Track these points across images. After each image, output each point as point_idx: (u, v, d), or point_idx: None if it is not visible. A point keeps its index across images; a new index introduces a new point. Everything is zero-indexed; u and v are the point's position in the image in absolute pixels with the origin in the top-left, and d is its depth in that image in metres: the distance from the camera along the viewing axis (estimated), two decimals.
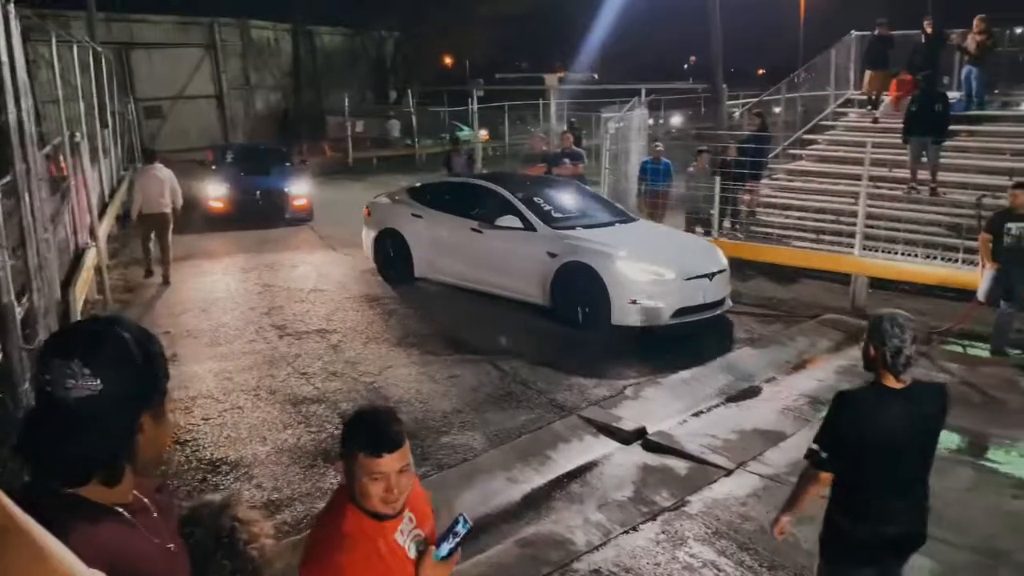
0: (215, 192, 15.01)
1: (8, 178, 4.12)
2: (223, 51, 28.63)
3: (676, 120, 29.00)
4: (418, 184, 10.98)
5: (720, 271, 8.33)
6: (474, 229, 9.21)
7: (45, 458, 1.32)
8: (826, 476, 3.16)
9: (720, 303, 8.37)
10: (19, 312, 3.90)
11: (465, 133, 28.28)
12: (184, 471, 5.42)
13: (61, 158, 9.06)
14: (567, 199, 9.72)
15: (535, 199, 9.19)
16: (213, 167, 16.46)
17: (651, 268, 8.00)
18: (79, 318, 6.68)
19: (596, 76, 36.02)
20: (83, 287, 8.27)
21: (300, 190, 15.37)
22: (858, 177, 10.48)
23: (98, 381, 1.31)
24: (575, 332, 8.18)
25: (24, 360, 3.56)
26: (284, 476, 5.36)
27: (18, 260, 4.05)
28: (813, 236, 11.54)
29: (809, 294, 9.95)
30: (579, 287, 8.13)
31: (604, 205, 9.92)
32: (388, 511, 2.00)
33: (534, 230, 8.69)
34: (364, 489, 1.97)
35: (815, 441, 3.17)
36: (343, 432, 2.09)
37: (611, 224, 9.03)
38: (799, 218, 12.31)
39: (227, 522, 1.83)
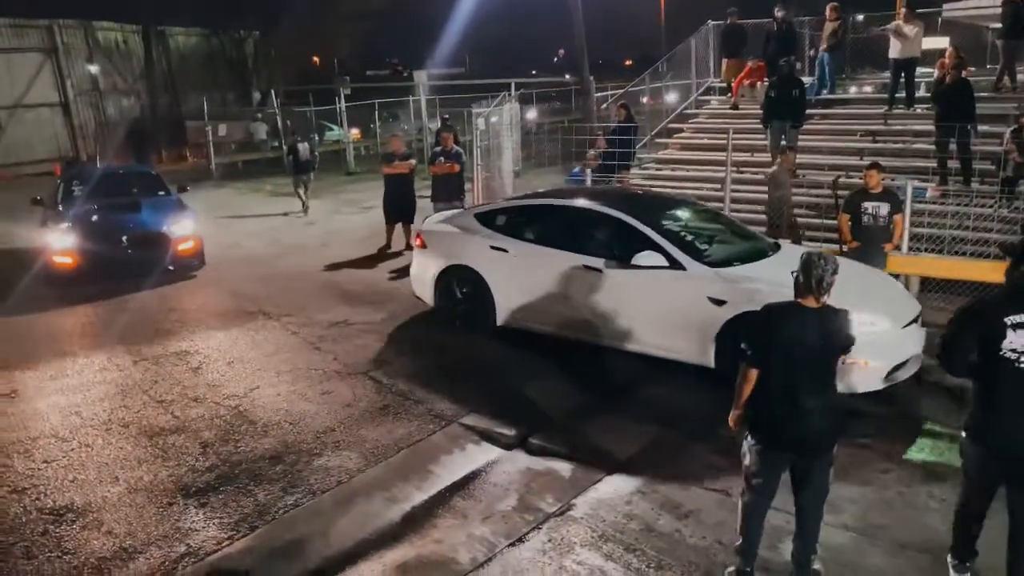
0: (60, 242, 10.35)
1: None
2: (67, 55, 26.72)
3: (532, 115, 28.91)
4: (490, 206, 8.61)
5: (919, 313, 6.52)
6: (589, 267, 7.09)
7: None
8: (754, 372, 3.87)
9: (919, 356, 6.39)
10: None
11: (335, 133, 27.55)
12: (22, 524, 4.85)
13: None
14: (697, 221, 7.80)
15: (669, 226, 7.26)
16: (58, 203, 11.64)
17: (861, 316, 5.45)
18: None
19: (465, 71, 35.83)
20: None
21: (185, 227, 11.07)
22: (723, 163, 10.74)
23: None
24: None
25: None
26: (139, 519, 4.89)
27: None
28: None
29: None
30: None
31: (735, 227, 7.89)
32: None
33: (682, 268, 6.66)
34: None
35: (743, 342, 3.93)
36: None
37: (765, 254, 7.10)
38: None
39: None
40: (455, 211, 9.10)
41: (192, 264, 11.16)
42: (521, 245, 7.66)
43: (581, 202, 7.80)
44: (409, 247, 11.84)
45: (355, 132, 26.60)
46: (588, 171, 11.25)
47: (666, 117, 16.02)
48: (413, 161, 12.44)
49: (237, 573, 4.38)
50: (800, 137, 12.08)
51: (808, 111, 12.30)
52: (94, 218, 10.90)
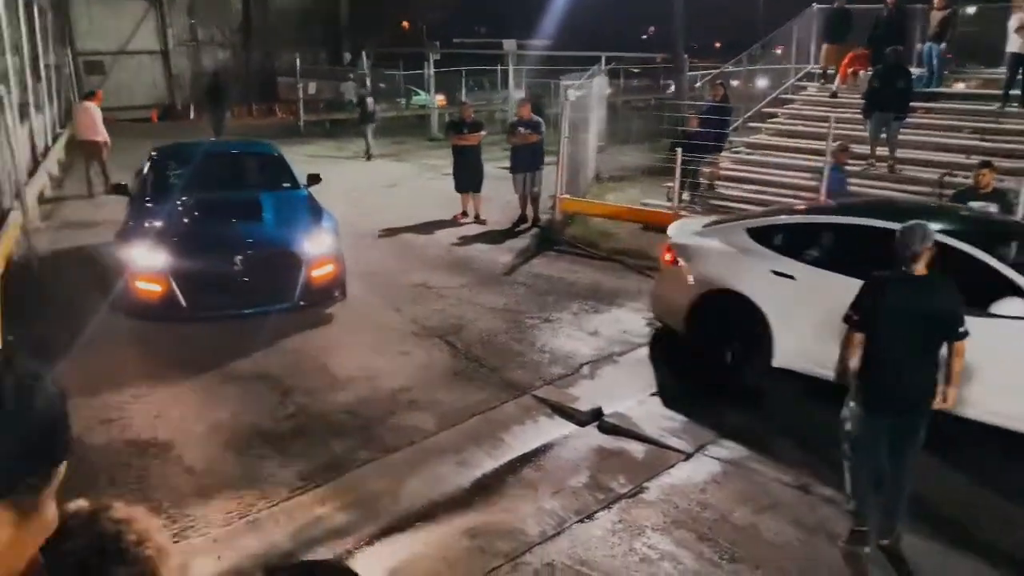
0: (144, 260, 6.90)
1: None
2: (169, 4, 27.44)
3: (619, 91, 28.05)
4: (767, 221, 6.76)
5: None
6: None
7: None
8: (858, 337, 4.09)
9: None
10: None
11: (421, 98, 27.64)
12: (108, 454, 5.02)
13: None
14: None
15: None
16: (146, 195, 8.28)
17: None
18: None
19: (550, 43, 35.46)
20: (4, 250, 7.74)
21: (323, 244, 7.45)
22: (817, 152, 10.35)
23: None
24: None
25: None
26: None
27: None
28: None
29: None
30: None
31: None
32: None
33: None
34: None
35: (850, 308, 4.14)
36: None
37: None
38: (756, 192, 12.17)
39: (108, 526, 1.50)
40: (713, 222, 7.36)
41: (329, 297, 7.54)
42: (814, 272, 5.99)
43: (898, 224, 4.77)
44: (479, 218, 11.82)
45: (440, 98, 26.63)
46: (844, 168, 9.51)
47: (757, 101, 15.54)
48: (483, 132, 12.18)
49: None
50: (902, 131, 11.54)
51: (911, 104, 11.73)
52: (195, 226, 7.47)
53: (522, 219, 11.77)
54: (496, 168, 12.38)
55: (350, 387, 6.13)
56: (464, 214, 12.03)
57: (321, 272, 7.33)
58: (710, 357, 6.50)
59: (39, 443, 0.89)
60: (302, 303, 7.21)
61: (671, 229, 7.40)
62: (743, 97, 16.34)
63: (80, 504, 1.50)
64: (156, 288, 6.85)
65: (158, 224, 7.37)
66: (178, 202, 7.86)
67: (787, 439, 5.40)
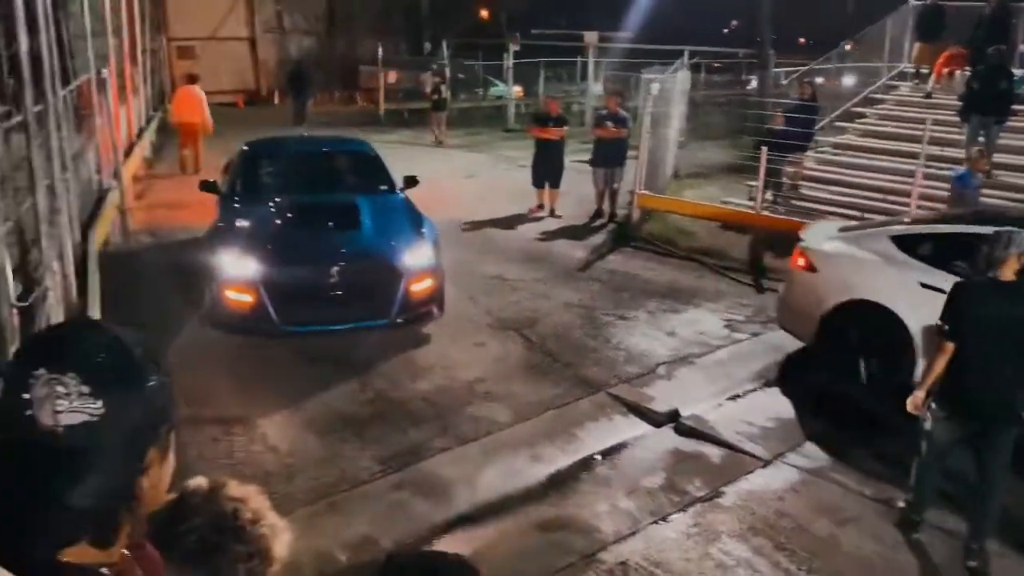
0: (234, 269, 6.39)
1: (19, 117, 3.85)
2: None
3: (700, 86, 27.23)
4: (914, 229, 6.38)
5: None
6: None
7: (16, 510, 0.96)
8: (950, 346, 4.05)
9: None
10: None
11: (499, 89, 27.71)
12: (197, 430, 5.21)
13: (88, 95, 8.80)
14: None
15: None
16: (235, 195, 7.81)
17: None
18: (96, 263, 6.49)
19: (631, 36, 35.05)
20: (103, 229, 8.09)
21: (422, 256, 6.83)
22: (909, 155, 10.00)
23: (99, 403, 0.97)
24: None
25: (15, 320, 3.30)
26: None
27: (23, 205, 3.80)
28: (857, 214, 11.06)
29: None
30: None
31: None
32: None
33: None
34: None
35: (940, 318, 4.13)
36: None
37: None
38: (841, 194, 11.82)
39: (225, 505, 1.57)
40: (850, 227, 7.01)
41: (427, 314, 6.82)
42: None
43: None
44: (554, 213, 11.79)
45: (518, 90, 26.64)
46: (979, 176, 8.76)
47: (844, 100, 15.04)
48: (566, 128, 12.06)
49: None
50: (1001, 135, 11.04)
51: (1013, 107, 11.20)
52: (288, 232, 6.90)
53: (598, 214, 11.71)
54: (572, 161, 12.31)
55: (427, 376, 6.22)
56: (540, 207, 12.00)
57: (420, 287, 6.64)
58: (843, 372, 6.12)
59: (169, 402, 1.09)
60: (399, 320, 6.56)
61: (805, 233, 6.96)
62: (829, 95, 15.87)
63: (199, 482, 1.57)
64: (246, 299, 6.29)
65: (249, 228, 6.91)
66: (270, 204, 7.32)
67: (870, 451, 5.26)
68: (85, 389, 0.96)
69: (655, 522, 4.49)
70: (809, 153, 12.52)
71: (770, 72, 18.20)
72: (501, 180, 14.81)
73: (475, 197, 13.26)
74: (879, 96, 14.75)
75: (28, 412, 0.95)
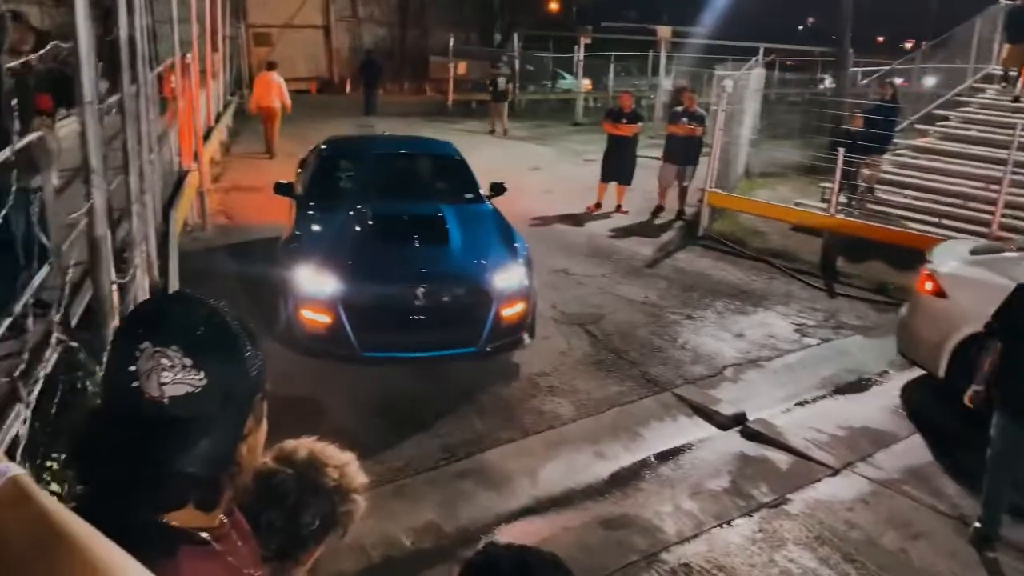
0: (311, 286, 5.84)
1: (116, 96, 4.01)
2: None
3: (774, 83, 26.35)
4: None
5: None
6: None
7: (123, 477, 1.01)
8: (999, 346, 4.17)
9: None
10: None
11: (568, 82, 27.60)
12: None
13: (171, 79, 9.07)
14: None
15: None
16: (309, 200, 7.12)
17: None
18: (176, 243, 6.69)
19: (705, 31, 34.51)
20: (183, 211, 8.34)
21: (513, 276, 6.15)
22: (993, 160, 9.62)
23: (201, 374, 1.02)
24: None
25: (114, 297, 3.44)
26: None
27: (117, 184, 3.94)
28: (935, 220, 10.70)
29: None
30: None
31: None
32: None
33: None
34: None
35: (992, 316, 4.25)
36: None
37: None
38: (918, 199, 11.44)
39: (313, 462, 1.64)
40: (985, 248, 6.51)
41: (518, 342, 6.14)
42: None
43: None
44: (620, 208, 11.69)
45: (587, 83, 26.50)
46: None
47: (924, 102, 14.54)
48: (640, 125, 11.91)
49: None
50: None
51: None
52: (370, 246, 6.20)
53: (659, 209, 11.59)
54: (639, 157, 12.17)
55: (491, 367, 6.24)
56: (598, 205, 11.83)
57: (512, 311, 5.98)
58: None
59: (263, 372, 1.14)
60: (488, 349, 5.91)
61: (934, 254, 6.39)
62: (909, 97, 15.38)
63: (290, 443, 1.64)
64: (323, 319, 5.69)
65: (327, 240, 6.30)
66: (350, 212, 6.66)
67: (945, 465, 5.11)
68: (188, 361, 1.02)
69: (719, 525, 4.44)
70: (886, 156, 12.15)
71: (848, 71, 17.71)
72: (567, 174, 14.76)
73: (540, 190, 13.24)
74: (963, 99, 14.23)
75: (134, 384, 1.01)
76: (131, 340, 1.03)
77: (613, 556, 4.13)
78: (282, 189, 7.32)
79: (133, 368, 1.01)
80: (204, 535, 1.10)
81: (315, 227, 6.69)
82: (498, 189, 7.56)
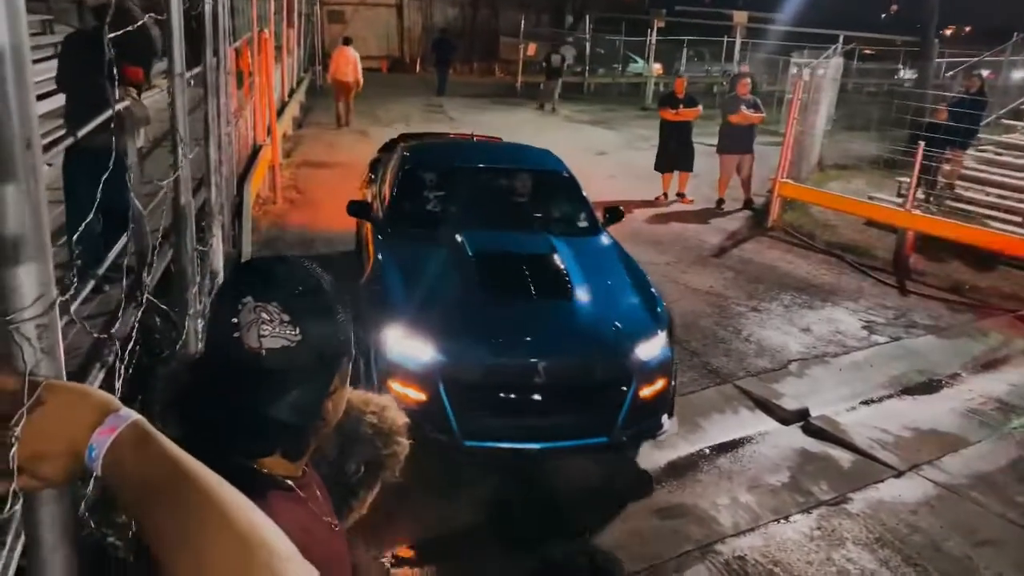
0: (404, 352, 4.34)
1: (199, 68, 4.13)
2: None
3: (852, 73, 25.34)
4: None
5: None
6: None
7: (221, 420, 1.09)
8: None
9: None
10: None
11: (638, 65, 27.27)
12: None
13: (248, 54, 9.27)
14: None
15: None
16: (389, 230, 5.68)
17: None
18: (249, 214, 6.87)
19: (779, 18, 33.63)
20: (256, 184, 8.54)
21: (659, 346, 4.62)
22: None
23: (297, 331, 1.08)
24: None
25: (196, 263, 3.57)
26: None
27: (197, 155, 4.06)
28: (1019, 220, 10.28)
29: (1009, 285, 8.87)
30: None
31: None
32: None
33: None
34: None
35: None
36: None
37: None
38: (1001, 197, 10.99)
39: (364, 410, 1.65)
40: None
41: (657, 427, 4.67)
42: None
43: None
44: (681, 195, 11.51)
45: (658, 67, 26.14)
46: None
47: (1012, 96, 13.91)
48: (699, 108, 11.56)
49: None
50: None
51: None
52: (473, 298, 4.76)
53: (720, 202, 11.37)
54: (704, 144, 11.97)
55: None
56: (665, 196, 11.60)
57: (652, 389, 4.57)
58: None
59: (351, 336, 1.21)
60: (624, 438, 4.55)
61: None
62: (996, 91, 14.75)
63: (368, 397, 1.67)
64: (418, 396, 4.25)
65: (420, 288, 4.79)
66: (445, 248, 5.24)
67: (1018, 473, 4.94)
68: (286, 317, 1.08)
69: (776, 520, 4.39)
70: (969, 151, 11.70)
71: (932, 62, 17.07)
72: (632, 160, 14.59)
73: (605, 175, 13.11)
74: None
75: (236, 335, 1.08)
76: (235, 294, 1.10)
77: (667, 545, 4.12)
78: (357, 209, 6.03)
79: (235, 320, 1.08)
80: (289, 482, 1.16)
81: (402, 266, 5.14)
82: (615, 215, 6.17)
